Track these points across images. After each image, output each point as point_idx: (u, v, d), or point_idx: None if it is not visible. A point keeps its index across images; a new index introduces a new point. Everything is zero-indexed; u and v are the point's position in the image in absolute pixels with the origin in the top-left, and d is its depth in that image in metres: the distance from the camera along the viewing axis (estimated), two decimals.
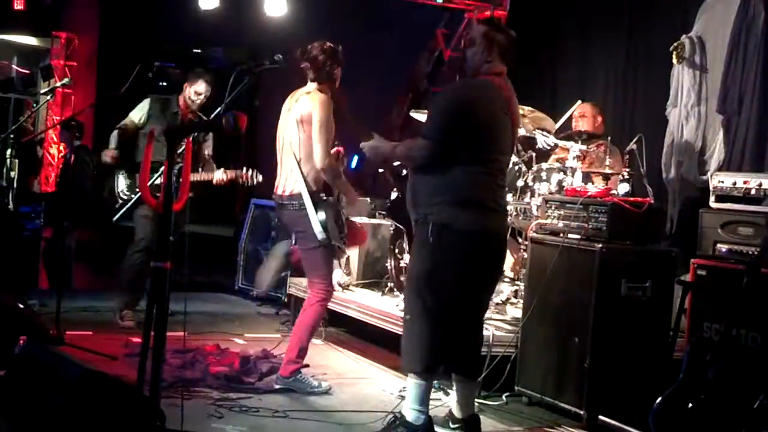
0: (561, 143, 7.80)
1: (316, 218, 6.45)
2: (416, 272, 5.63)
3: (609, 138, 7.43)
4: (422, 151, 5.53)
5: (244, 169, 8.20)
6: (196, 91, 8.43)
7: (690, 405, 4.97)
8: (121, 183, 8.37)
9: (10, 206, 9.91)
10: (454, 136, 5.44)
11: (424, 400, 5.60)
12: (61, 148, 14.00)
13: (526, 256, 7.13)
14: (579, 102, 8.45)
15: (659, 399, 5.13)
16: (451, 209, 5.48)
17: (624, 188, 6.74)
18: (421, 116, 8.56)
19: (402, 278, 7.94)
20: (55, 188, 13.03)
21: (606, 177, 6.99)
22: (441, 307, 5.54)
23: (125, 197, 8.30)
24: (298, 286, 8.69)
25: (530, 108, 8.09)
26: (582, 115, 8.32)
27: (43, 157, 14.23)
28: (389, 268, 8.42)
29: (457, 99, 5.66)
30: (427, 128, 5.60)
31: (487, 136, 5.53)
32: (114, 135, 8.47)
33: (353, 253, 8.93)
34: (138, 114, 8.49)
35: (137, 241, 8.32)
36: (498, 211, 5.68)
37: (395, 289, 8.17)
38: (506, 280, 8.31)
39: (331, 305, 7.73)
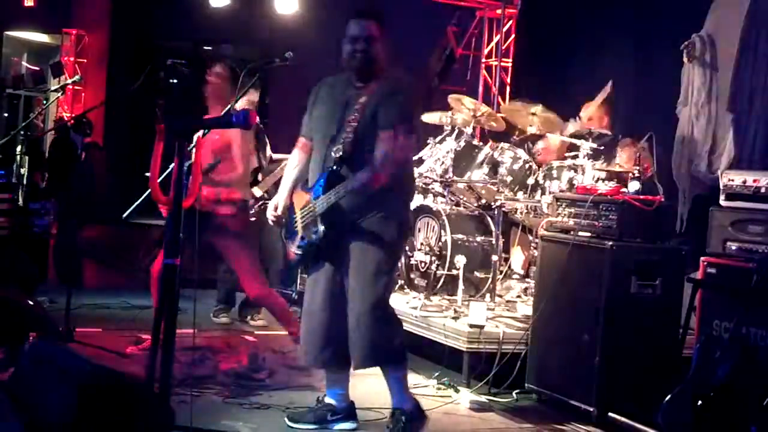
0: (574, 141, 7.81)
1: None
2: (389, 263, 5.54)
3: (620, 136, 7.44)
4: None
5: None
6: (250, 100, 8.24)
7: (699, 402, 4.97)
8: (257, 192, 8.33)
9: (20, 203, 9.94)
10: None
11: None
12: None
13: (536, 253, 7.13)
14: (610, 82, 8.42)
15: (668, 396, 5.14)
16: (403, 201, 5.67)
17: (634, 186, 6.73)
18: (430, 118, 8.56)
19: (412, 275, 7.94)
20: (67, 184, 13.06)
21: (617, 175, 7.01)
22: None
23: None
24: None
25: (542, 107, 8.10)
26: (589, 117, 8.30)
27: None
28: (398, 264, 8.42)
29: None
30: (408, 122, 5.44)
31: None
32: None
33: None
34: None
35: None
36: None
37: (405, 286, 8.16)
38: (516, 277, 8.34)
39: None
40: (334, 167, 5.31)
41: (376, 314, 5.38)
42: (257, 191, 8.35)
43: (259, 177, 8.48)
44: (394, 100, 5.33)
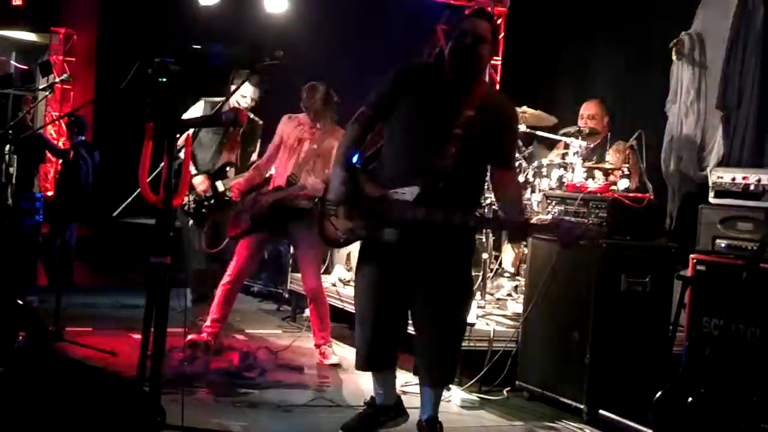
0: (565, 139, 7.80)
1: None
2: (472, 285, 5.49)
3: (609, 134, 7.44)
4: None
5: None
6: (242, 94, 8.27)
7: (689, 399, 4.98)
8: (220, 186, 8.29)
9: (9, 202, 9.90)
10: None
11: None
12: (60, 144, 13.99)
13: (526, 251, 7.13)
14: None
15: (659, 393, 5.15)
16: None
17: (624, 184, 6.74)
18: None
19: None
20: (55, 184, 13.03)
21: (606, 172, 7.01)
22: None
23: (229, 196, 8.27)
24: (298, 281, 8.69)
25: (525, 108, 8.08)
26: (591, 116, 8.21)
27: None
28: None
29: None
30: None
31: None
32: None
33: (354, 250, 8.92)
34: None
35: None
36: None
37: None
38: (507, 275, 8.34)
39: (332, 301, 7.75)
40: (439, 184, 4.95)
41: (461, 336, 5.40)
42: (220, 185, 8.31)
43: (228, 170, 8.44)
44: (511, 132, 5.22)
